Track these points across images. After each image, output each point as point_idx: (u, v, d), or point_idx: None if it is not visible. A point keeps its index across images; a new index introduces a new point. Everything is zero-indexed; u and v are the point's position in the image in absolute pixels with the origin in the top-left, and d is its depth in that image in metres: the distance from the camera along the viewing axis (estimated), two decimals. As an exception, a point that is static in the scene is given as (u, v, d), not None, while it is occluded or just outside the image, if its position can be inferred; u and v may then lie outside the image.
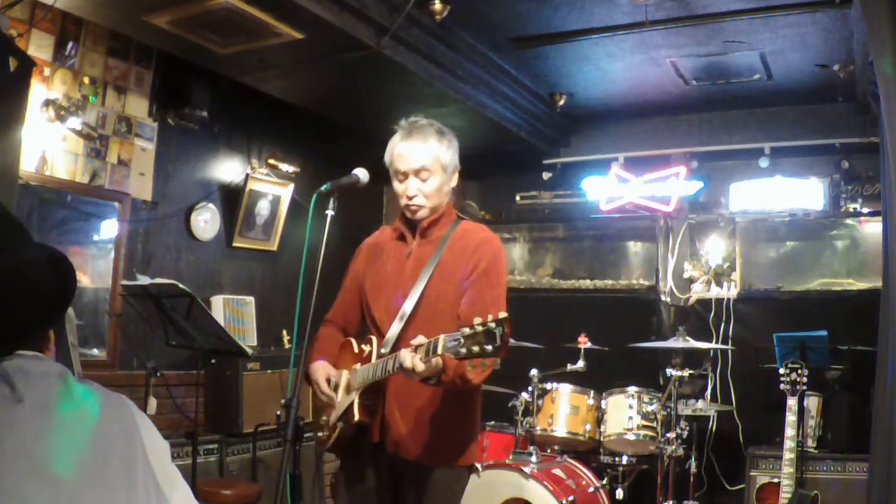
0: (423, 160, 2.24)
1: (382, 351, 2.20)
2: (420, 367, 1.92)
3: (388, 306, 2.28)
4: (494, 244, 2.30)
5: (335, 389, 2.28)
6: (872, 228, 4.77)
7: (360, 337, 2.36)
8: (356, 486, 2.30)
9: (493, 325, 1.75)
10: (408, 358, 1.93)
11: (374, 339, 2.26)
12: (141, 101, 4.26)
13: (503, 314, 1.76)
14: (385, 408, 2.21)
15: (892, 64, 2.31)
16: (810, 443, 4.22)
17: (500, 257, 2.28)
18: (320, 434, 2.35)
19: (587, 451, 4.10)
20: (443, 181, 2.29)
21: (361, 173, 2.25)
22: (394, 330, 2.22)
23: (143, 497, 1.18)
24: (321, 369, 2.31)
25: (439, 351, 1.85)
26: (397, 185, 2.29)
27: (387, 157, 2.33)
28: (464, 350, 1.77)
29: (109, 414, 1.22)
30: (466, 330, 1.78)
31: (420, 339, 1.94)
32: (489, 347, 1.74)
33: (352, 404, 2.18)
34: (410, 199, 2.27)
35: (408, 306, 2.22)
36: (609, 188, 5.54)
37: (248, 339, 4.76)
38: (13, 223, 1.31)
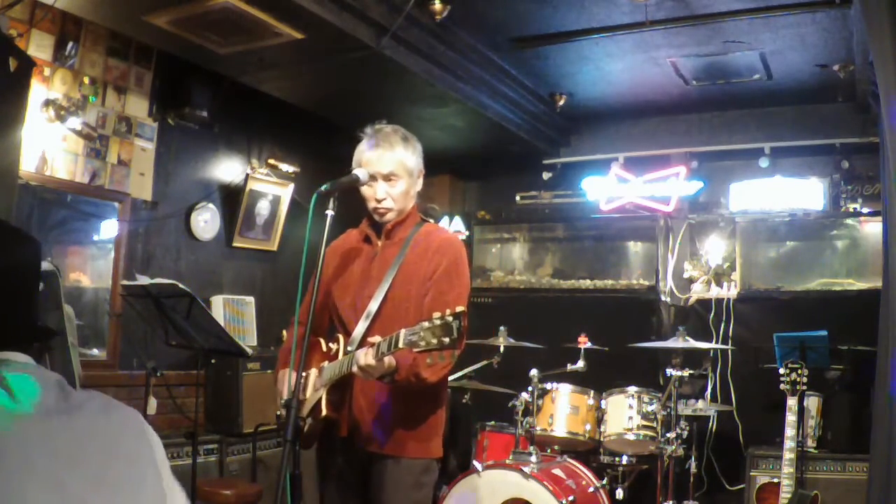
0: (391, 166, 2.34)
1: (349, 349, 2.27)
2: (372, 363, 2.04)
3: (354, 306, 2.37)
4: (455, 245, 2.40)
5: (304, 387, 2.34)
6: (872, 228, 4.76)
7: (328, 336, 2.43)
8: (327, 480, 2.39)
9: (450, 318, 1.87)
10: (361, 356, 2.06)
11: (340, 337, 2.35)
12: (141, 101, 4.26)
13: (460, 308, 1.88)
14: (352, 403, 2.30)
15: None
16: (810, 443, 4.22)
17: (460, 258, 2.38)
18: None
19: (587, 451, 4.09)
20: (409, 185, 2.39)
21: (361, 173, 2.30)
22: (360, 328, 2.31)
23: (151, 501, 1.18)
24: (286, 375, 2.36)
25: (400, 344, 1.95)
26: (366, 190, 2.37)
27: (354, 164, 2.40)
28: (423, 343, 1.89)
29: (113, 419, 1.21)
30: (425, 324, 1.89)
31: (376, 339, 2.06)
32: (446, 339, 1.87)
33: (319, 400, 2.25)
34: (379, 202, 2.37)
35: (373, 306, 2.31)
36: (609, 188, 5.54)
37: (248, 339, 4.76)
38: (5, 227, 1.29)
